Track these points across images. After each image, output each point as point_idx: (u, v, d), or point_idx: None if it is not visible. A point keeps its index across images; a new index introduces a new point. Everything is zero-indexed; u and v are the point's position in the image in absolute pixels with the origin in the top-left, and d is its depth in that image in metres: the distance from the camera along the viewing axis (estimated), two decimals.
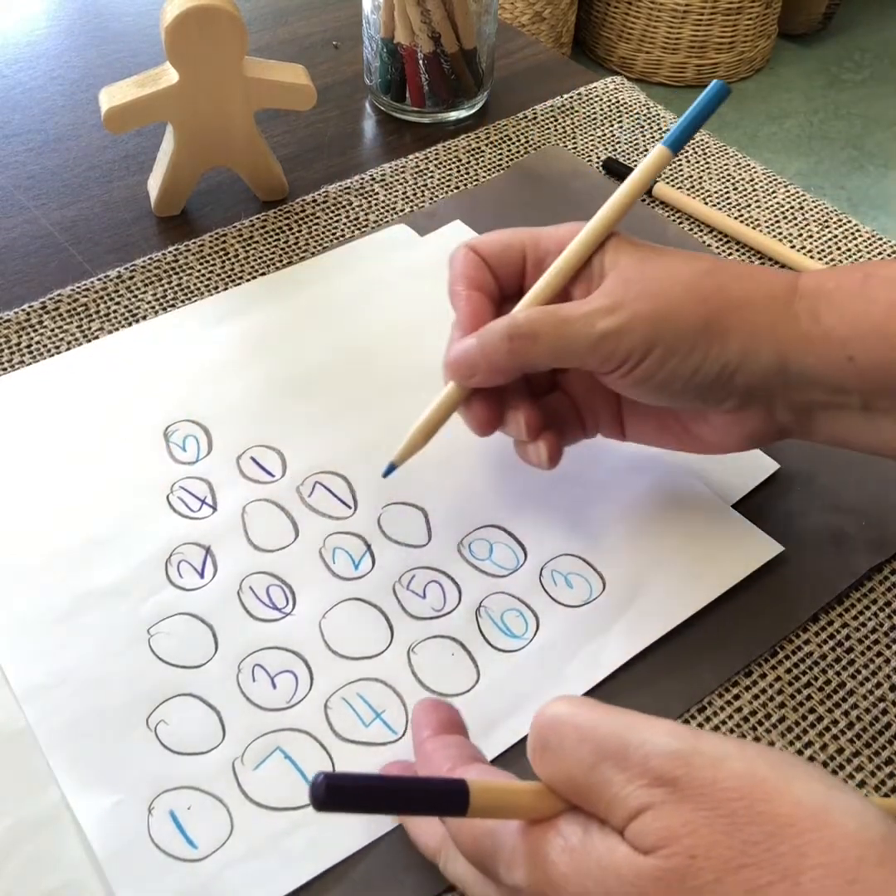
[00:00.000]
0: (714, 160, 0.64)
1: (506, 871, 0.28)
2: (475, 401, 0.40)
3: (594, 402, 0.42)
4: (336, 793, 0.24)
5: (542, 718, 0.28)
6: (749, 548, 0.43)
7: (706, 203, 0.60)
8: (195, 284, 0.54)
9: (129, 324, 0.52)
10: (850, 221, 0.60)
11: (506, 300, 0.41)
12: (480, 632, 0.40)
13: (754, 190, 0.62)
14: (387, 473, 0.42)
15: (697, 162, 0.63)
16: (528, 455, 0.41)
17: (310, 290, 0.54)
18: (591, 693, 0.39)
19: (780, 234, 0.59)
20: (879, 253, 0.58)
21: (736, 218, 0.60)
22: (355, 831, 0.35)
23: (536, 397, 0.42)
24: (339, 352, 0.51)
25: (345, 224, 0.58)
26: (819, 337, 0.36)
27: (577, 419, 0.43)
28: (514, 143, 0.64)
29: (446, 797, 0.26)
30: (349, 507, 0.44)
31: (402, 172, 0.61)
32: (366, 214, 0.59)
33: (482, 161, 0.63)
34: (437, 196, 0.60)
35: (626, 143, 0.64)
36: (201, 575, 0.42)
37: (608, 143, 0.64)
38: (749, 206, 0.61)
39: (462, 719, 0.34)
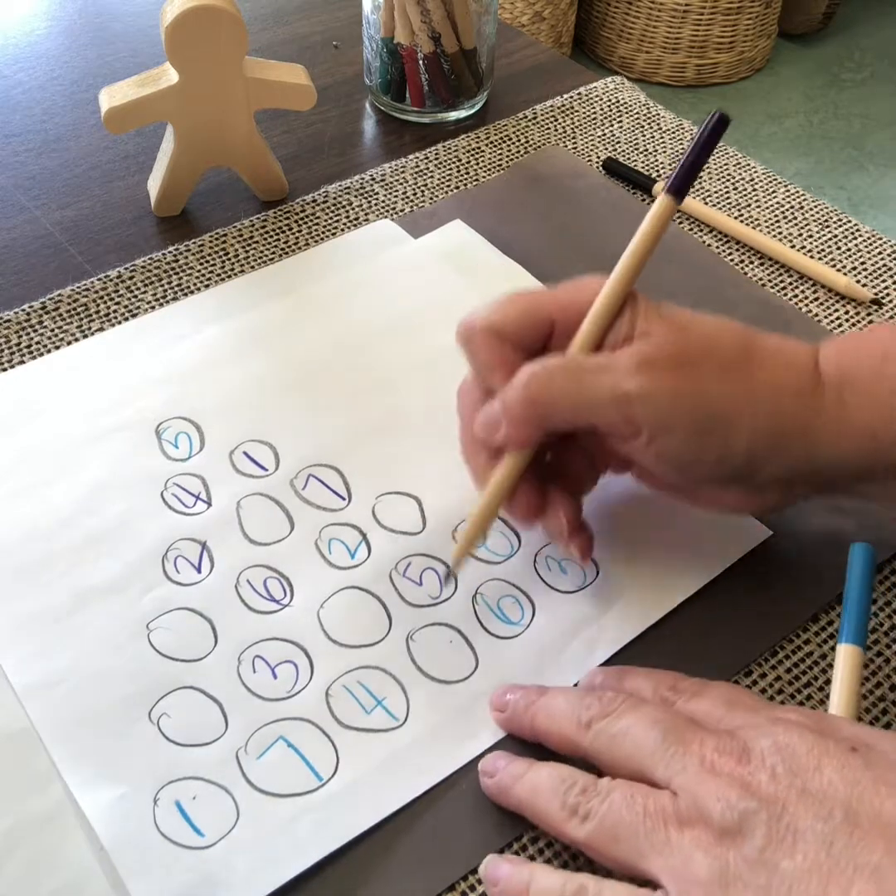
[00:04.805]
0: (714, 160, 0.63)
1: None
2: (520, 491, 0.39)
3: (605, 457, 0.41)
4: None
5: None
6: (738, 533, 0.43)
7: (706, 203, 0.60)
8: (195, 284, 0.54)
9: None
10: (850, 221, 0.60)
11: None
12: (477, 618, 0.41)
13: (754, 190, 0.62)
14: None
15: None
16: (564, 551, 0.42)
17: (299, 285, 0.54)
18: None
19: (780, 234, 0.59)
20: (879, 253, 0.58)
21: (736, 218, 0.60)
22: (363, 812, 0.35)
23: (552, 450, 0.41)
24: (328, 346, 0.51)
25: (345, 224, 0.58)
26: (848, 428, 0.36)
27: (591, 468, 0.41)
28: (514, 143, 0.64)
29: None
30: (343, 499, 0.44)
31: (402, 172, 0.61)
32: (366, 214, 0.59)
33: (482, 161, 0.63)
34: (437, 196, 0.60)
35: (626, 144, 0.64)
36: (198, 570, 0.42)
37: (608, 143, 0.64)
38: (749, 206, 0.61)
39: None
